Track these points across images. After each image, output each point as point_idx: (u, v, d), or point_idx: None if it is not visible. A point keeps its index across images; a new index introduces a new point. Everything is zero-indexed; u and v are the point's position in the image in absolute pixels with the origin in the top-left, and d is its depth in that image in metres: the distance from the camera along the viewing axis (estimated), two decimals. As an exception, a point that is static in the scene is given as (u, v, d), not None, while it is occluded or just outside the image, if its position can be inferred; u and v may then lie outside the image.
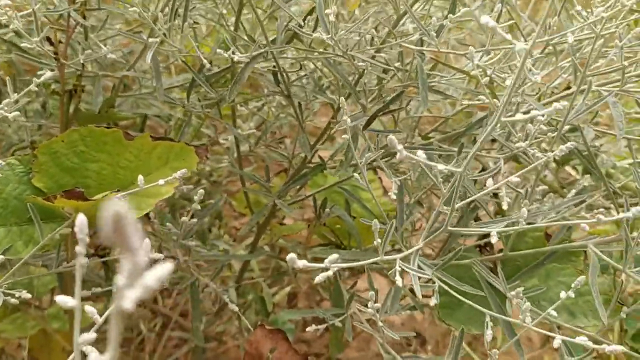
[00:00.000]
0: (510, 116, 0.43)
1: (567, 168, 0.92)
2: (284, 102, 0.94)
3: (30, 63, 0.72)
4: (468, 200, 0.46)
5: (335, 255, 0.39)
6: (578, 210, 0.62)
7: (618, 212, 0.64)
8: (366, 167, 0.76)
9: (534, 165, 0.43)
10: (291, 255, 0.36)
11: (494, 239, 0.44)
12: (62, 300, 0.30)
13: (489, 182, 0.42)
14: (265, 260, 1.17)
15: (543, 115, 0.37)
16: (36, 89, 0.52)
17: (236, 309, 0.76)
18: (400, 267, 0.45)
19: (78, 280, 0.30)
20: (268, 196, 0.81)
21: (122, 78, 0.74)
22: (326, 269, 0.39)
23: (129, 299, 0.18)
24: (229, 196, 1.19)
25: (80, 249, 0.29)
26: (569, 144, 0.40)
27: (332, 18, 0.52)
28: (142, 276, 0.16)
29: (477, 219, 0.75)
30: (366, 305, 0.66)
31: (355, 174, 0.56)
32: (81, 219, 0.29)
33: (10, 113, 0.49)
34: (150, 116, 0.95)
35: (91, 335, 0.29)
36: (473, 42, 0.89)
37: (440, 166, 0.39)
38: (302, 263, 0.37)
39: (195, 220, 0.66)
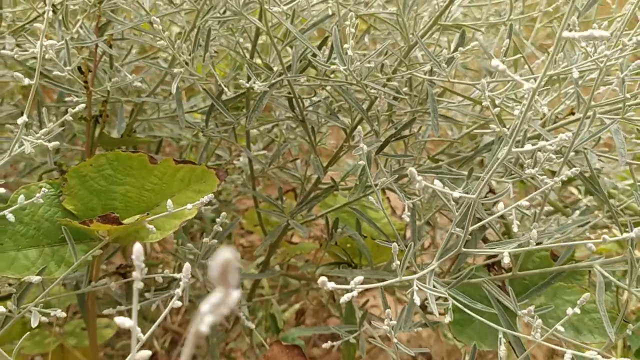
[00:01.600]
0: (519, 143, 0.47)
1: (570, 188, 0.95)
2: (293, 124, 0.97)
3: (45, 85, 0.75)
4: (480, 224, 0.48)
5: (359, 278, 0.42)
6: (583, 231, 0.65)
7: (621, 232, 0.67)
8: (372, 189, 0.79)
9: (544, 189, 0.46)
10: (323, 279, 0.38)
11: (506, 260, 0.46)
12: (121, 321, 0.32)
13: (500, 206, 0.45)
14: (274, 277, 1.19)
15: (552, 145, 0.40)
16: (71, 118, 0.55)
17: (252, 325, 0.78)
18: (417, 286, 0.47)
19: (135, 300, 0.32)
20: (281, 216, 0.83)
21: (142, 103, 0.77)
22: (351, 290, 0.42)
23: (207, 323, 0.21)
24: (238, 214, 1.22)
25: (137, 274, 0.32)
26: (574, 170, 0.43)
27: (350, 52, 0.56)
28: (223, 308, 0.19)
29: (484, 239, 0.78)
30: (370, 322, 0.69)
31: (371, 197, 0.59)
32: (138, 248, 0.32)
33: (49, 142, 0.52)
34: (163, 137, 0.98)
35: (146, 353, 0.31)
36: (477, 67, 0.92)
37: (456, 193, 0.42)
38: (331, 285, 0.39)
39: (215, 241, 0.69)
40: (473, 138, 0.94)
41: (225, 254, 0.17)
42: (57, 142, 0.53)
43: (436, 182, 0.40)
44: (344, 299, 0.42)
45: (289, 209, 0.96)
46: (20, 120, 0.48)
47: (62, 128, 0.84)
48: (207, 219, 1.13)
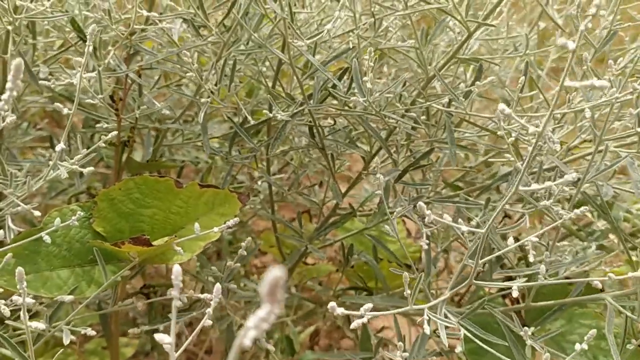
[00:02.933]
0: (534, 175, 0.48)
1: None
2: (309, 148, 0.99)
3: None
4: (493, 256, 0.50)
5: (369, 305, 0.43)
6: (598, 257, 0.66)
7: (629, 255, 0.68)
8: (384, 210, 0.80)
9: (559, 222, 0.47)
10: (332, 304, 0.40)
11: (514, 294, 0.48)
12: (160, 337, 0.34)
13: (510, 240, 0.47)
14: (288, 299, 1.21)
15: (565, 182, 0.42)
16: (104, 144, 0.58)
17: (270, 346, 0.79)
18: (428, 316, 0.49)
19: (173, 321, 0.34)
20: (300, 241, 0.85)
21: (167, 129, 0.80)
22: (361, 316, 0.43)
23: (250, 337, 0.23)
24: (253, 235, 1.24)
25: (175, 293, 0.34)
26: (582, 209, 0.45)
27: (369, 85, 0.58)
28: (266, 323, 0.21)
29: (502, 264, 0.79)
30: (394, 350, 0.70)
31: (386, 226, 0.60)
32: (177, 269, 0.34)
33: (84, 168, 0.55)
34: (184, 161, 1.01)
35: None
36: (492, 95, 0.94)
37: (463, 227, 0.44)
38: (340, 310, 0.41)
39: (238, 264, 0.71)
40: (489, 165, 0.96)
41: (277, 272, 0.19)
42: (92, 168, 0.55)
43: (445, 216, 0.42)
44: (354, 325, 0.44)
45: (306, 231, 0.98)
46: (58, 147, 0.51)
47: (93, 153, 0.88)
48: (224, 240, 1.15)
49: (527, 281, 0.62)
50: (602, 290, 0.75)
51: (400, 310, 0.54)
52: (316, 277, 1.03)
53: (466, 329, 0.52)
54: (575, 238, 0.90)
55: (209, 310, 0.47)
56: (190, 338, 0.45)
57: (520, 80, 0.53)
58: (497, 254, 0.49)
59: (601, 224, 0.93)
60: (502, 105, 0.33)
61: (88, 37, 0.47)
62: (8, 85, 0.24)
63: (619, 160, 0.54)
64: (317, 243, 0.89)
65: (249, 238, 0.68)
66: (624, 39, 0.81)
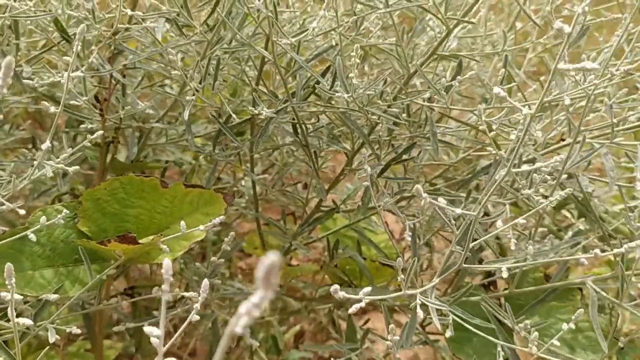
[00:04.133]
0: (515, 166, 0.50)
1: (563, 212, 0.99)
2: (293, 147, 1.00)
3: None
4: (480, 240, 0.51)
5: (368, 289, 0.44)
6: (575, 252, 0.68)
7: (609, 246, 0.70)
8: (373, 210, 0.82)
9: (537, 209, 0.49)
10: (335, 287, 0.41)
11: (504, 274, 0.49)
12: (149, 330, 0.35)
13: (499, 223, 0.48)
14: (273, 299, 1.21)
15: (547, 167, 0.43)
16: (89, 144, 0.58)
17: (255, 343, 0.80)
18: (420, 300, 0.50)
19: (163, 311, 0.35)
20: (284, 238, 0.86)
21: (150, 129, 0.80)
22: (359, 300, 0.44)
23: (242, 324, 0.23)
24: (238, 237, 1.24)
25: (165, 287, 0.35)
26: (566, 190, 0.46)
27: (355, 81, 0.59)
28: (258, 309, 0.21)
29: (480, 260, 0.81)
30: (381, 340, 0.71)
31: (373, 218, 0.61)
32: (167, 263, 0.35)
33: (71, 168, 0.55)
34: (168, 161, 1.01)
35: None
36: (471, 93, 0.96)
37: (457, 210, 0.45)
38: (341, 293, 0.42)
39: (222, 260, 0.71)
40: (468, 163, 0.98)
41: (272, 257, 0.19)
42: (78, 167, 0.55)
43: (440, 199, 0.43)
44: (352, 309, 0.45)
45: (290, 231, 0.99)
46: (44, 146, 0.51)
47: (77, 153, 0.87)
48: (208, 241, 1.15)
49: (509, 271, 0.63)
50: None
51: (393, 295, 0.55)
52: (299, 276, 1.04)
53: (455, 314, 0.53)
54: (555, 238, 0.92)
55: (197, 305, 0.47)
56: (179, 331, 0.46)
57: (500, 73, 0.54)
58: (482, 239, 0.50)
59: (580, 223, 0.95)
60: (496, 89, 0.34)
61: (77, 36, 0.47)
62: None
63: (594, 150, 0.56)
64: (302, 240, 0.90)
65: (232, 233, 0.68)
66: (598, 39, 0.83)
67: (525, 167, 0.42)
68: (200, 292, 0.41)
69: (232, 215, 1.28)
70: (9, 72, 0.23)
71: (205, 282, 0.39)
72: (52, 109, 0.53)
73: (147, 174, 0.90)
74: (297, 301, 1.07)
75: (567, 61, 0.55)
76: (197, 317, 0.45)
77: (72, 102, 0.63)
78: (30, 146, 0.83)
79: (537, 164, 0.41)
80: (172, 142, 0.86)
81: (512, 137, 0.47)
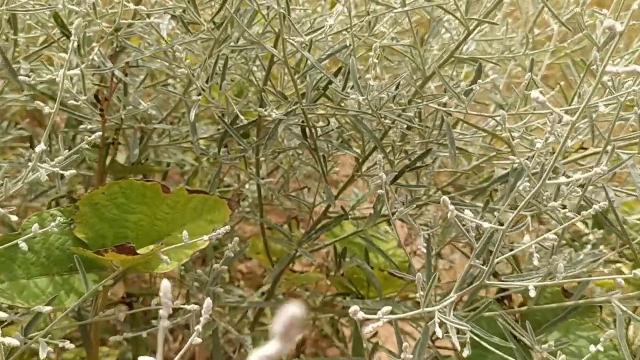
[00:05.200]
0: (550, 179, 0.46)
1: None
2: (299, 151, 0.97)
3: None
4: (504, 256, 0.48)
5: (388, 308, 0.41)
6: (597, 266, 0.65)
7: (635, 255, 0.67)
8: (382, 218, 0.79)
9: (570, 222, 0.46)
10: (354, 307, 0.38)
11: (532, 293, 0.46)
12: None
13: (526, 238, 0.45)
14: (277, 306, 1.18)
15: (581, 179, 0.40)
16: (87, 146, 0.55)
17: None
18: (439, 318, 0.47)
19: (160, 342, 0.31)
20: (290, 244, 0.83)
21: (153, 130, 0.77)
22: (378, 319, 0.41)
23: None
24: (240, 241, 1.21)
25: (164, 312, 0.31)
26: (601, 204, 0.43)
27: (371, 82, 0.56)
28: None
29: (494, 273, 0.78)
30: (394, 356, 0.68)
31: (386, 227, 0.58)
32: (165, 285, 0.31)
33: (66, 171, 0.52)
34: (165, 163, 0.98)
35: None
36: (484, 99, 0.93)
37: (486, 224, 0.42)
38: (361, 315, 0.39)
39: (225, 267, 0.68)
40: (479, 170, 0.94)
41: (294, 310, 0.16)
42: (74, 171, 0.52)
43: (467, 212, 0.40)
44: (368, 329, 0.41)
45: (295, 236, 0.95)
46: (38, 149, 0.47)
47: (75, 155, 0.84)
48: (210, 246, 1.12)
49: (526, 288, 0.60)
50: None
51: (412, 313, 0.52)
52: (304, 284, 1.01)
53: (472, 332, 0.50)
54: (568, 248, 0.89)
55: (198, 327, 0.44)
56: (179, 354, 0.42)
57: (527, 77, 0.51)
58: (510, 253, 0.47)
59: (594, 236, 0.92)
60: (535, 93, 0.31)
61: (73, 30, 0.44)
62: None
63: (622, 161, 0.52)
64: (307, 247, 0.87)
65: (236, 238, 0.65)
66: (618, 46, 0.80)
67: (562, 180, 0.39)
68: (204, 313, 0.37)
69: (234, 218, 1.25)
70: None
71: (209, 302, 0.35)
72: (47, 109, 0.50)
73: (149, 177, 0.86)
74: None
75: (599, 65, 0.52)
76: (199, 340, 0.41)
77: (70, 101, 0.60)
78: (28, 145, 0.80)
79: (576, 175, 0.38)
80: (175, 144, 0.82)
81: (538, 145, 0.44)
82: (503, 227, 0.43)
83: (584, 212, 0.43)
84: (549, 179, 0.41)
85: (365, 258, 0.88)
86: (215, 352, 0.83)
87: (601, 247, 0.88)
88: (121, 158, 0.84)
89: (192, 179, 1.11)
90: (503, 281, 0.53)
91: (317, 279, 1.01)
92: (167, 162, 0.93)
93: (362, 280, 0.92)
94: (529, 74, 0.51)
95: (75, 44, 0.44)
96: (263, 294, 1.09)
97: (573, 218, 0.47)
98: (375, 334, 0.90)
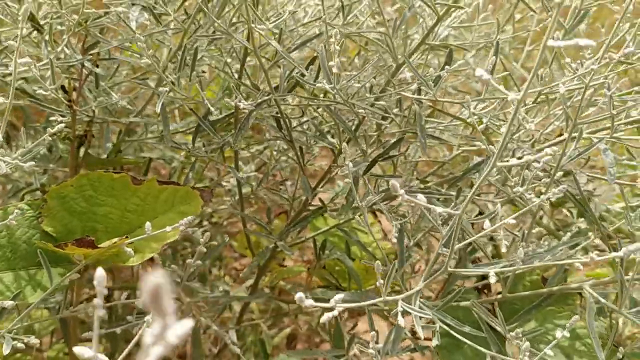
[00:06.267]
0: (505, 161, 0.46)
1: (564, 211, 0.94)
2: (285, 145, 0.96)
3: (35, 106, 0.75)
4: (466, 242, 0.47)
5: (340, 295, 0.40)
6: (574, 253, 0.64)
7: (610, 249, 0.66)
8: (367, 210, 0.78)
9: (529, 207, 0.45)
10: (299, 295, 0.37)
11: (492, 279, 0.45)
12: (80, 351, 0.31)
13: (487, 224, 0.44)
14: (264, 301, 1.17)
15: (538, 162, 0.39)
16: (50, 138, 0.54)
17: (238, 350, 0.76)
18: (402, 307, 0.46)
19: (95, 327, 0.31)
20: (270, 238, 0.82)
21: (128, 124, 0.76)
22: (331, 309, 0.40)
23: (154, 356, 0.19)
24: (230, 237, 1.20)
25: (99, 301, 0.31)
26: (560, 187, 0.42)
27: (335, 70, 0.55)
28: (167, 336, 0.18)
29: (474, 261, 0.77)
30: (367, 347, 0.67)
31: (357, 217, 0.57)
32: (100, 273, 0.31)
33: (25, 163, 0.51)
34: (154, 158, 0.97)
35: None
36: (467, 89, 0.92)
37: (439, 209, 0.41)
38: (309, 302, 0.38)
39: (199, 262, 0.67)
40: (465, 160, 0.94)
41: (156, 278, 0.16)
42: (33, 163, 0.51)
43: (419, 196, 0.39)
44: (324, 318, 0.41)
45: (277, 229, 0.95)
46: (-6, 141, 0.47)
47: (49, 149, 0.83)
48: (197, 242, 1.11)
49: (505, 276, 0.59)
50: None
51: (370, 302, 0.51)
52: (288, 277, 1.00)
53: (442, 321, 0.49)
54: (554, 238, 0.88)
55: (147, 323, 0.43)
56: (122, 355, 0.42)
57: (490, 61, 0.50)
58: (469, 240, 0.46)
59: (582, 224, 0.91)
60: (480, 70, 0.30)
61: (21, 15, 0.43)
62: None
63: (591, 145, 0.52)
64: (290, 241, 0.86)
65: (207, 233, 0.64)
66: (600, 30, 0.79)
67: (513, 162, 0.38)
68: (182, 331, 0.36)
69: (223, 215, 1.24)
70: None
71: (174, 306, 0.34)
72: (1, 99, 0.49)
73: (125, 169, 0.86)
74: (287, 303, 1.03)
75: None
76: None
77: (39, 92, 0.59)
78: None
79: (527, 157, 0.37)
80: (152, 138, 0.82)
81: (503, 129, 0.43)
82: (458, 212, 0.42)
83: (544, 196, 0.42)
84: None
85: (347, 251, 0.87)
86: (195, 349, 0.82)
87: (590, 234, 0.88)
88: (100, 152, 0.83)
89: (181, 175, 1.10)
90: (466, 269, 0.52)
91: (300, 272, 1.00)
92: (148, 158, 0.93)
93: (344, 272, 0.91)
94: (493, 57, 0.50)
95: (25, 31, 0.43)
96: (248, 288, 1.08)
97: (539, 203, 0.46)
98: (355, 326, 0.89)
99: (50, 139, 0.55)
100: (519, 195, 0.50)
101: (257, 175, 1.02)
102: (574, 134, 0.50)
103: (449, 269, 0.48)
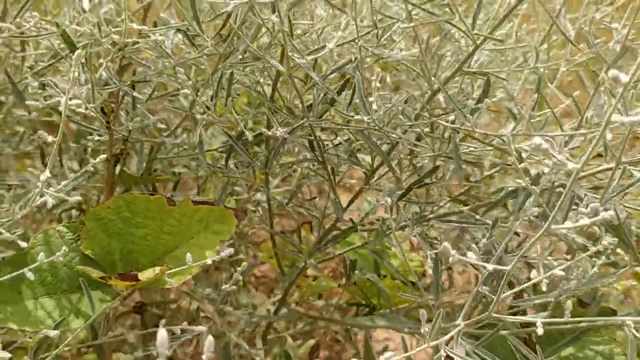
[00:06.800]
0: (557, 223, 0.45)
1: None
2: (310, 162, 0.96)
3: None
4: (514, 291, 0.47)
5: (390, 354, 0.40)
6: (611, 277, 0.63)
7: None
8: (386, 229, 0.78)
9: (583, 257, 0.44)
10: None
11: (539, 331, 0.45)
12: None
13: (533, 273, 0.44)
14: (287, 314, 1.18)
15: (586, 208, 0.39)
16: (92, 168, 0.55)
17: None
18: (445, 352, 0.46)
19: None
20: (299, 256, 0.82)
21: (161, 143, 0.77)
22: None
23: None
24: (253, 246, 1.21)
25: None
26: (612, 239, 0.42)
27: (374, 106, 0.55)
28: None
29: (509, 283, 0.76)
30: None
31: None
32: (162, 335, 0.31)
33: (71, 197, 0.52)
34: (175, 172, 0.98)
35: None
36: (498, 107, 0.91)
37: (490, 266, 0.41)
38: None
39: (234, 287, 0.68)
40: (491, 179, 0.93)
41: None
42: (79, 198, 0.52)
43: (470, 254, 0.39)
44: (382, 358, 0.40)
45: (306, 243, 0.95)
46: (42, 177, 0.48)
47: (86, 170, 0.84)
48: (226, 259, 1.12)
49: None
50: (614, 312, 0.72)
51: (419, 349, 0.50)
52: (317, 292, 1.00)
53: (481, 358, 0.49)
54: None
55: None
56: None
57: (533, 98, 0.50)
58: (517, 289, 0.46)
59: (608, 241, 0.90)
60: (538, 139, 0.30)
61: (73, 61, 0.44)
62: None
63: (636, 180, 0.51)
64: (317, 257, 0.87)
65: (244, 263, 0.65)
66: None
67: (568, 224, 0.37)
68: (205, 352, 0.36)
69: (247, 225, 1.25)
70: None
71: (210, 340, 0.34)
72: (50, 138, 0.50)
73: (158, 187, 0.87)
74: (314, 319, 1.03)
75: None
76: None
77: (79, 110, 0.59)
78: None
79: (582, 222, 0.36)
80: (186, 156, 0.83)
81: (546, 170, 0.43)
82: (507, 269, 0.42)
83: (604, 243, 0.42)
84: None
85: (376, 269, 0.87)
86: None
87: (618, 251, 0.86)
88: (133, 169, 0.84)
89: (206, 186, 1.11)
90: (511, 314, 0.52)
91: (330, 287, 1.00)
92: (178, 172, 0.93)
93: (374, 289, 0.91)
94: (536, 95, 0.50)
95: (76, 72, 0.44)
96: (275, 303, 1.09)
97: (581, 242, 0.46)
98: (386, 348, 0.89)
99: (92, 169, 0.55)
100: (563, 234, 0.49)
101: (282, 190, 1.02)
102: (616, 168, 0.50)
103: (494, 315, 0.47)
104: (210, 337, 0.30)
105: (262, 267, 1.47)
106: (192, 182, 1.26)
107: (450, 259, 0.39)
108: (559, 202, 0.35)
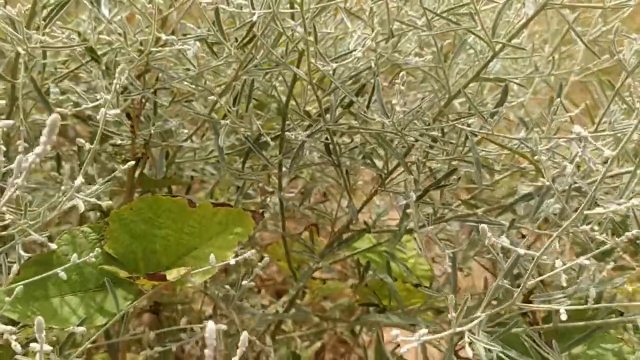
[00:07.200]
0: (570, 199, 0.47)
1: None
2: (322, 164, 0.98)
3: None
4: (540, 279, 0.48)
5: (425, 330, 0.42)
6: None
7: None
8: (405, 230, 0.79)
9: (601, 250, 0.46)
10: (396, 332, 0.38)
11: (563, 317, 0.47)
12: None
13: (558, 263, 0.45)
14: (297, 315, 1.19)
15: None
16: (119, 174, 0.57)
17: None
18: (469, 338, 0.47)
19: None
20: (312, 258, 0.84)
21: (179, 147, 0.79)
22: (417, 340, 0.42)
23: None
24: (261, 248, 1.22)
25: (209, 352, 0.33)
26: (635, 232, 0.44)
27: (398, 108, 0.57)
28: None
29: (518, 285, 0.78)
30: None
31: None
32: (211, 327, 0.33)
33: (104, 202, 0.53)
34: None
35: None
36: (507, 115, 0.93)
37: (521, 251, 0.42)
38: (399, 338, 0.39)
39: (252, 283, 0.69)
40: (499, 182, 0.94)
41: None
42: (111, 202, 0.54)
43: (502, 238, 0.40)
44: (405, 349, 0.42)
45: (317, 246, 0.96)
46: (77, 182, 0.49)
47: (114, 175, 0.86)
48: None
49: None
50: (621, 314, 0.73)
51: (444, 334, 0.52)
52: (327, 294, 1.02)
53: (503, 353, 0.51)
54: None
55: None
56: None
57: (556, 103, 0.52)
58: (543, 276, 0.48)
59: (613, 242, 0.91)
60: (577, 127, 0.32)
61: (116, 79, 0.45)
62: (42, 139, 0.23)
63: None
64: (328, 258, 0.88)
65: (266, 258, 0.67)
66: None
67: (598, 210, 0.39)
68: (208, 339, 0.37)
69: (256, 227, 1.26)
70: (53, 132, 0.21)
71: (212, 327, 0.35)
72: (88, 145, 0.52)
73: (175, 190, 0.88)
74: (325, 320, 1.04)
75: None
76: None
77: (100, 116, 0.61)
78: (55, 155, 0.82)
79: (613, 207, 0.38)
80: (202, 160, 0.84)
81: (568, 170, 0.44)
82: (537, 254, 0.43)
83: (618, 240, 0.43)
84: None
85: (387, 270, 0.89)
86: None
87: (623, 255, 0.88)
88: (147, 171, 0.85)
89: (215, 190, 1.12)
90: (531, 302, 0.54)
91: (340, 289, 1.01)
92: (191, 176, 0.95)
93: (384, 290, 0.93)
94: (559, 99, 0.52)
95: (105, 82, 0.46)
96: (284, 304, 1.10)
97: (604, 240, 0.47)
98: (397, 346, 0.90)
99: (120, 174, 0.57)
100: (585, 232, 0.51)
101: (294, 193, 1.04)
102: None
103: (517, 304, 0.49)
104: (212, 325, 0.31)
105: (268, 270, 1.49)
106: (197, 185, 1.27)
107: (486, 240, 0.40)
108: (588, 196, 0.37)
